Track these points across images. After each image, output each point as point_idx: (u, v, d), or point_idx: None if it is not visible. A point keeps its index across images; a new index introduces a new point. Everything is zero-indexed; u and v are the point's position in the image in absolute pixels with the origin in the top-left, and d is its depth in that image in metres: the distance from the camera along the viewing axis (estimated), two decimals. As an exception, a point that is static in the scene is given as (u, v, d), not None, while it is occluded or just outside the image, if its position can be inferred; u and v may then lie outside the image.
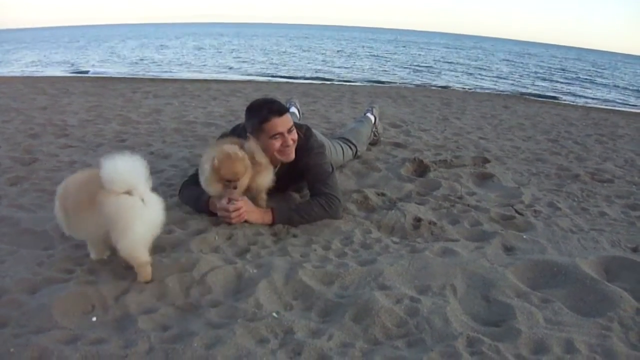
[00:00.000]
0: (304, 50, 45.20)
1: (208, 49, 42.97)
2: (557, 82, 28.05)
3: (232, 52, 40.25)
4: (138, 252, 3.31)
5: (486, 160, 6.83)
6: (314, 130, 5.18)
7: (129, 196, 3.14)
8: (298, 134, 4.72)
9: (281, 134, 4.51)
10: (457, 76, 27.21)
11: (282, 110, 4.54)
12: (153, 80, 18.61)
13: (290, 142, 4.57)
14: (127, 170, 3.14)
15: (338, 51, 45.63)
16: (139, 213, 3.19)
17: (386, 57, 40.02)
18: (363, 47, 57.06)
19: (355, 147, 6.51)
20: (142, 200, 3.19)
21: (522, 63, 43.74)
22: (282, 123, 4.50)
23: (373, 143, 7.33)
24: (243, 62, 30.92)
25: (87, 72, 23.48)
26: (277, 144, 4.53)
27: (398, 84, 20.89)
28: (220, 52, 39.52)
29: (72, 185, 3.37)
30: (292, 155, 4.64)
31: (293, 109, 7.68)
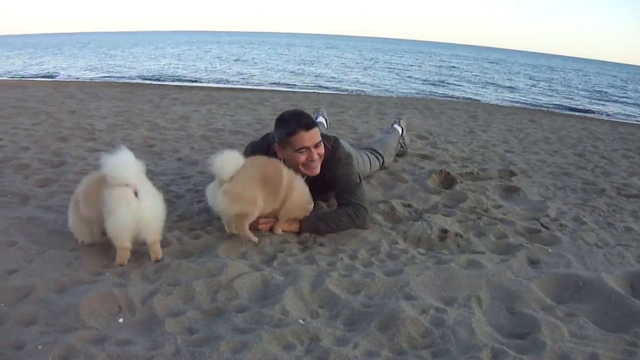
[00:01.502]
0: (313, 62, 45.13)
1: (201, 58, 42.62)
2: (580, 95, 27.78)
3: (236, 61, 40.41)
4: (120, 236, 3.63)
5: (512, 174, 6.83)
6: (341, 141, 5.21)
7: (122, 187, 3.56)
8: (326, 145, 4.74)
9: (307, 148, 4.52)
10: (480, 89, 27.00)
11: (310, 124, 4.53)
12: (181, 87, 18.79)
13: (316, 157, 4.58)
14: (121, 167, 3.61)
15: (357, 63, 45.57)
16: (126, 202, 3.55)
17: (407, 69, 39.94)
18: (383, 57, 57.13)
19: (382, 158, 6.52)
20: (135, 192, 3.59)
21: (544, 76, 43.38)
22: (309, 137, 4.50)
23: (400, 154, 7.34)
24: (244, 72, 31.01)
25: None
26: (302, 157, 4.55)
27: (424, 96, 20.81)
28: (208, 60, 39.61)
29: (84, 180, 3.99)
30: (317, 170, 4.66)
31: (321, 119, 7.71)
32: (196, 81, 23.85)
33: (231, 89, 19.39)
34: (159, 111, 11.16)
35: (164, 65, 33.62)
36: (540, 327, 3.03)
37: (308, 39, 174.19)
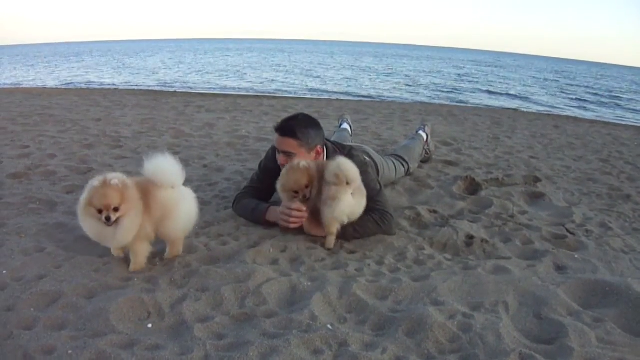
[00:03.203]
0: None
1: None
2: (601, 101, 27.41)
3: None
4: (180, 233, 3.94)
5: (537, 180, 6.81)
6: (366, 148, 5.23)
7: (174, 190, 3.76)
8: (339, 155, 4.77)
9: (277, 150, 4.73)
10: (498, 97, 26.60)
11: (284, 130, 4.66)
12: (205, 94, 18.86)
13: (280, 162, 4.72)
14: (171, 169, 3.75)
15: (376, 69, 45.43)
16: (182, 203, 3.86)
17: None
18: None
19: (408, 164, 6.54)
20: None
21: (564, 81, 42.90)
22: (279, 142, 4.70)
23: (425, 161, 7.36)
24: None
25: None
26: (277, 156, 4.78)
27: (448, 104, 20.71)
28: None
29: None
30: None
31: (345, 125, 7.69)
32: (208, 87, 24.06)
33: (255, 96, 19.44)
34: (184, 118, 11.26)
35: (185, 73, 33.81)
36: (568, 333, 3.03)
37: (324, 46, 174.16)
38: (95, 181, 3.48)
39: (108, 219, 3.43)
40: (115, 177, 3.53)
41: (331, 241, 4.33)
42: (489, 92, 28.13)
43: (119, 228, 3.50)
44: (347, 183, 4.07)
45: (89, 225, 3.52)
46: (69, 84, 25.61)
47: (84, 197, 3.48)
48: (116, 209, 3.45)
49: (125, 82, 26.49)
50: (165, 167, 3.71)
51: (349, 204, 4.17)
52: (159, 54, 66.46)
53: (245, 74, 34.31)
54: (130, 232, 3.58)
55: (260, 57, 63.28)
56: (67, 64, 43.43)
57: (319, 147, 4.73)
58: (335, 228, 4.28)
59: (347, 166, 4.12)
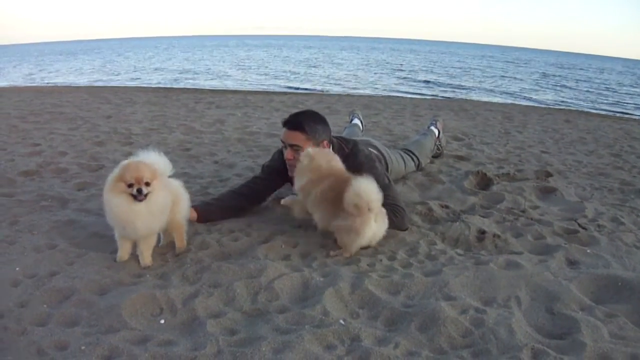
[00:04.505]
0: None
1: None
2: (609, 95, 27.20)
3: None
4: (185, 218, 4.16)
5: (549, 174, 6.78)
6: (371, 140, 5.24)
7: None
8: (344, 150, 4.82)
9: (284, 144, 4.75)
10: (504, 93, 26.36)
11: (292, 124, 4.69)
12: (215, 91, 18.86)
13: (288, 156, 4.73)
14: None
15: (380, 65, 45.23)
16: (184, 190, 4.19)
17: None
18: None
19: (418, 159, 6.54)
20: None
21: (571, 76, 42.61)
22: (286, 135, 4.73)
23: (436, 156, 7.35)
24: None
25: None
26: (284, 151, 4.80)
27: (459, 98, 20.62)
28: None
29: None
30: (290, 173, 4.78)
31: (356, 121, 7.69)
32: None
33: (265, 92, 19.42)
34: (194, 115, 11.31)
35: (198, 68, 33.86)
36: (580, 328, 3.03)
37: (324, 41, 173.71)
38: (126, 161, 3.56)
39: (139, 191, 3.50)
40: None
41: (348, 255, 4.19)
42: (496, 89, 27.99)
43: (151, 204, 3.58)
44: (369, 209, 3.95)
45: (118, 204, 3.55)
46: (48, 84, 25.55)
47: (113, 175, 3.53)
48: (147, 184, 3.52)
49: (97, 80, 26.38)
50: (154, 158, 3.82)
51: (372, 231, 4.09)
52: (144, 50, 66.56)
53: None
54: (163, 209, 3.72)
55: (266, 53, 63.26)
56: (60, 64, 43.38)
57: (325, 142, 4.73)
58: (355, 251, 4.17)
59: (367, 190, 3.94)
